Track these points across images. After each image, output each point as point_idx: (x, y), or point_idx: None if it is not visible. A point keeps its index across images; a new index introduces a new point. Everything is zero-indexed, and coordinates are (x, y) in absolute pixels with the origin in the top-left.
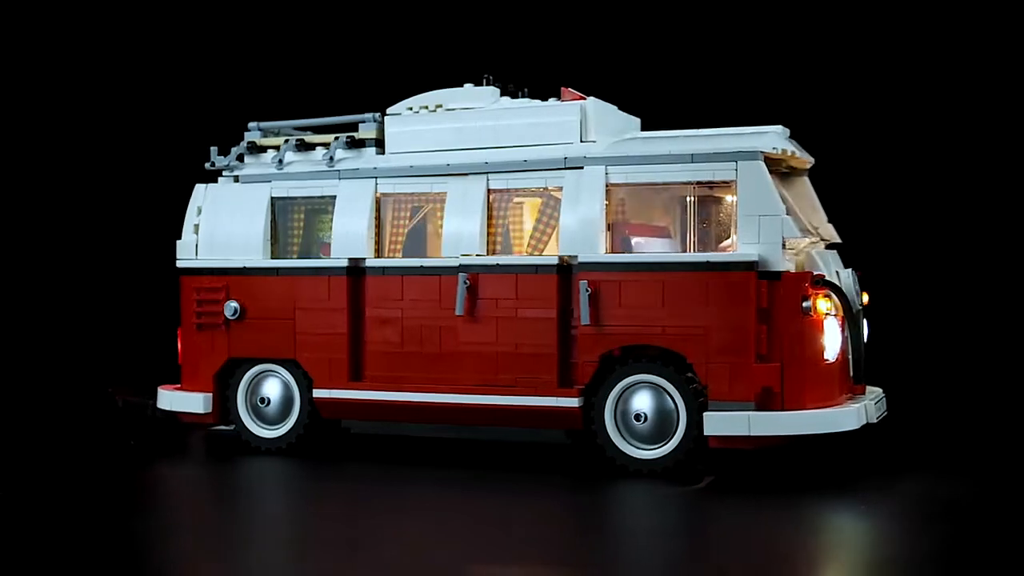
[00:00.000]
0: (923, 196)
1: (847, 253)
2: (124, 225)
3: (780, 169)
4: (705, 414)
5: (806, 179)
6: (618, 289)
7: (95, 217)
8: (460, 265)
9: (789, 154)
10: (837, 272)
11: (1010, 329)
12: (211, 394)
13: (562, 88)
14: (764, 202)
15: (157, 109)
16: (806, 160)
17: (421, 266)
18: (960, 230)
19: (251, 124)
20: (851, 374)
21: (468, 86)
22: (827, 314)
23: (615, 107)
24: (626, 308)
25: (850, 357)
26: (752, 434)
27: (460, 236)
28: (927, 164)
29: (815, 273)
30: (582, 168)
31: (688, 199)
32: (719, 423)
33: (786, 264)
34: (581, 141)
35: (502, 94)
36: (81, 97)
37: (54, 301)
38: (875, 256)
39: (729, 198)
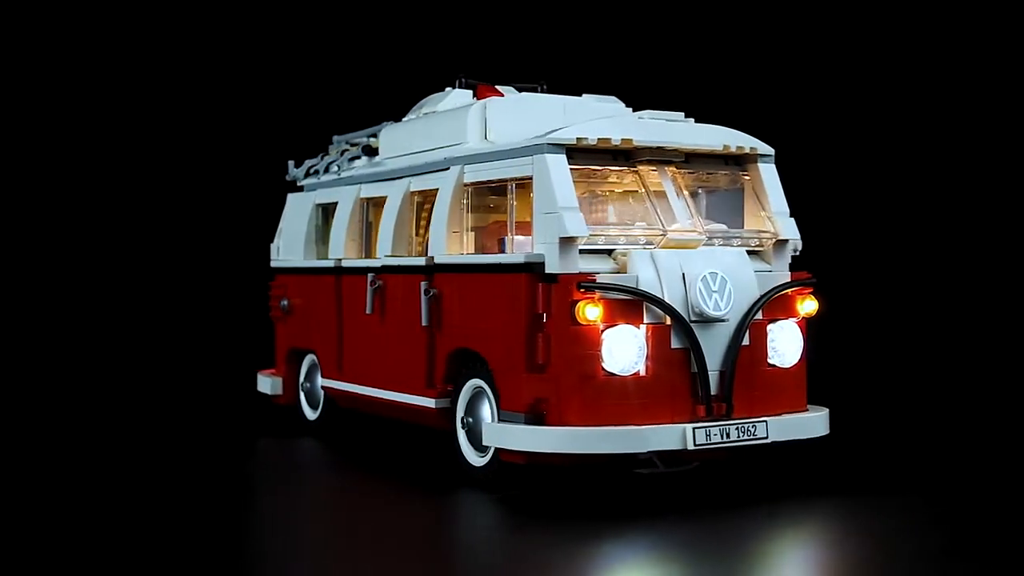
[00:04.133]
0: (894, 199)
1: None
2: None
3: (671, 158)
4: (483, 424)
5: (761, 168)
6: (450, 291)
7: (230, 222)
8: (381, 266)
9: (619, 142)
10: (684, 275)
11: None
12: (281, 378)
13: (479, 85)
14: (548, 198)
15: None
16: (701, 147)
17: (366, 267)
18: (929, 232)
19: (335, 137)
20: (699, 392)
21: (448, 89)
22: (600, 322)
23: (594, 98)
24: (458, 311)
25: (695, 372)
26: (502, 448)
27: (384, 238)
28: (907, 167)
29: (584, 275)
30: (448, 169)
31: (510, 198)
32: (491, 434)
33: (580, 266)
34: (485, 139)
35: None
36: (228, 119)
37: (211, 302)
38: (843, 260)
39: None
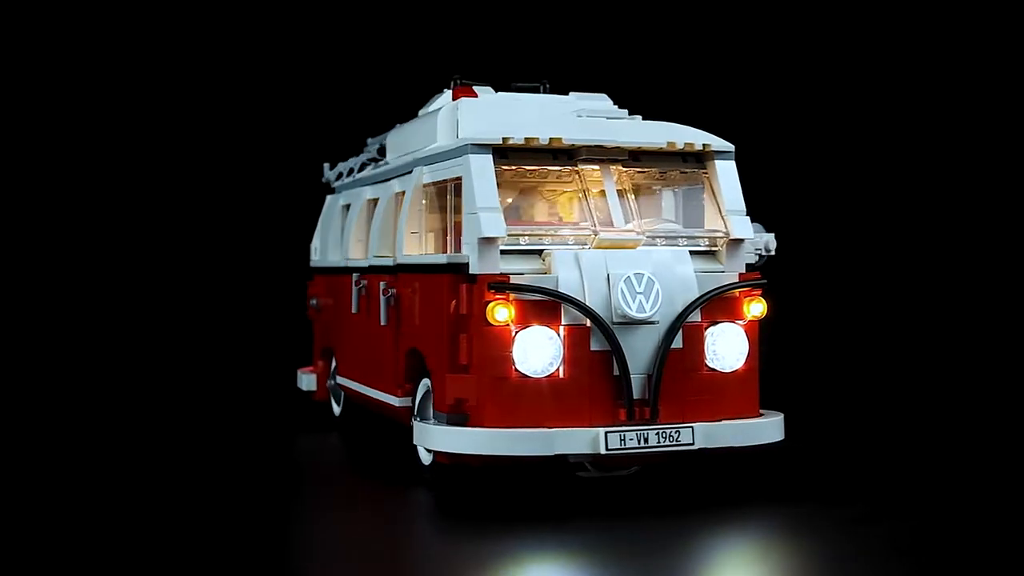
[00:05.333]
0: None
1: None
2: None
3: (614, 156)
4: (414, 423)
5: (718, 165)
6: (405, 292)
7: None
8: (368, 266)
9: (547, 141)
10: (608, 276)
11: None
12: (316, 375)
13: (455, 87)
14: (469, 199)
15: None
16: (643, 144)
17: (355, 267)
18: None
19: (368, 140)
20: (621, 396)
21: (445, 91)
22: (512, 323)
23: (580, 97)
24: (411, 310)
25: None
26: (422, 446)
27: (373, 239)
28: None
29: (496, 276)
30: (411, 171)
31: (449, 199)
32: (417, 434)
33: (504, 267)
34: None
35: None
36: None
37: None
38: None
39: None
